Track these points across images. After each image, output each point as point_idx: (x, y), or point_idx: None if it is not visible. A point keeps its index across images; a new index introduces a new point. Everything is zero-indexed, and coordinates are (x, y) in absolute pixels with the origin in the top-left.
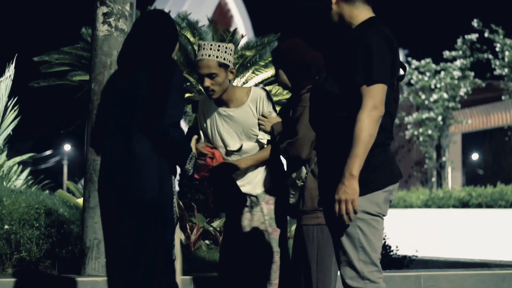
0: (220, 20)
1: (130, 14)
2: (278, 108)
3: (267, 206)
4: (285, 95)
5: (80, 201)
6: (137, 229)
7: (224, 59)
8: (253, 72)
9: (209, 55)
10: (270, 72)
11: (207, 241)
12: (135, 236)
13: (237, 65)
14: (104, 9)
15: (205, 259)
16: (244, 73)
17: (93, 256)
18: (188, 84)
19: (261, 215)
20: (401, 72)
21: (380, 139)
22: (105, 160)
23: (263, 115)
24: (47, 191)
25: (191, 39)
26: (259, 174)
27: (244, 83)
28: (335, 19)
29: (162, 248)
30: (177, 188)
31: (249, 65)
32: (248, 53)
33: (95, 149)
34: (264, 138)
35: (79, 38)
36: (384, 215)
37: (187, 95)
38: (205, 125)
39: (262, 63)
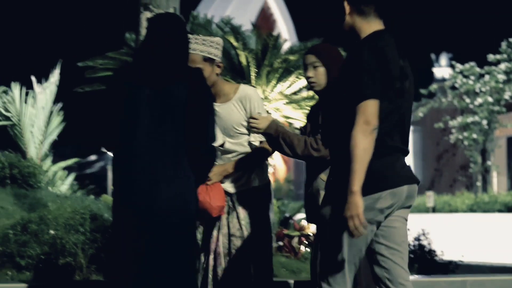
0: (263, 24)
1: None
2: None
3: (243, 211)
4: None
5: None
6: (181, 239)
7: (209, 53)
8: (296, 77)
9: (194, 49)
10: None
11: None
12: (179, 245)
13: (280, 70)
14: (147, 14)
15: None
16: (288, 77)
17: None
18: None
19: (237, 222)
20: (405, 83)
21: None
22: (136, 169)
23: (252, 117)
24: (92, 196)
25: (234, 43)
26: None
27: (288, 87)
28: (347, 29)
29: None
30: None
31: (292, 69)
32: (291, 57)
33: (110, 150)
34: (256, 140)
35: (123, 43)
36: (368, 221)
37: None
38: None
39: None
